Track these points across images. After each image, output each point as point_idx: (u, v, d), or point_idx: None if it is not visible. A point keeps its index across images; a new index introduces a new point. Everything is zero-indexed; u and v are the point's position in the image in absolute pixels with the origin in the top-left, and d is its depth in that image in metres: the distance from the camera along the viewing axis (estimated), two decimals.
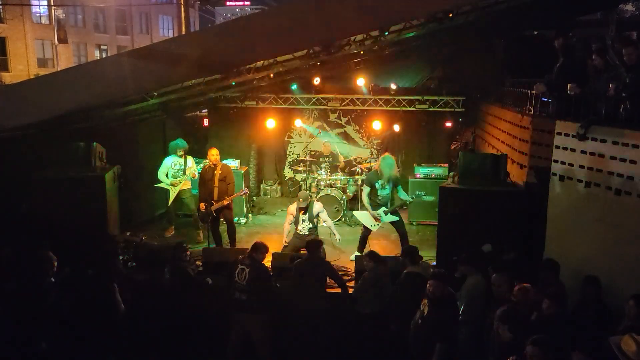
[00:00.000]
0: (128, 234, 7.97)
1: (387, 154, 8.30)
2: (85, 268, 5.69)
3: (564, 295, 4.79)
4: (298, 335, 5.99)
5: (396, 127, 10.93)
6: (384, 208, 7.91)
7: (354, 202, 10.42)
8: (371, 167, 10.03)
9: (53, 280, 5.33)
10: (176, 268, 5.96)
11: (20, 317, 5.01)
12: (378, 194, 7.95)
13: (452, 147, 11.81)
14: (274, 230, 9.64)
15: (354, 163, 11.13)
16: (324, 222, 7.94)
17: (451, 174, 8.06)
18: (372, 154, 11.76)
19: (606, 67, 5.84)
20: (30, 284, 5.27)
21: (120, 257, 7.01)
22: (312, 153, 11.69)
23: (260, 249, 5.81)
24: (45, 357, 5.24)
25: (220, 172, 8.18)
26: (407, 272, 5.68)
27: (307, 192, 8.14)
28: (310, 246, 6.11)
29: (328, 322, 5.92)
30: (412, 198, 8.46)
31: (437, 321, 4.77)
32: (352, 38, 7.46)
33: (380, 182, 7.91)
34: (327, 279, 6.20)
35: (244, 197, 9.50)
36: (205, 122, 12.25)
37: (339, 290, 6.27)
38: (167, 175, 8.99)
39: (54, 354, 5.22)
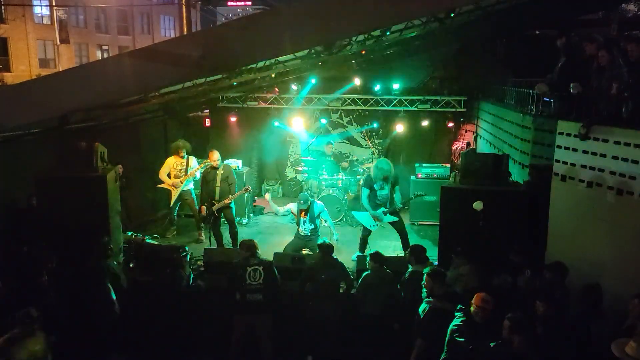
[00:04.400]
0: (130, 234, 7.97)
1: (381, 157, 8.33)
2: (78, 268, 5.72)
3: (565, 298, 4.78)
4: (300, 334, 5.99)
5: (398, 127, 10.92)
6: (383, 208, 7.90)
7: (356, 202, 10.41)
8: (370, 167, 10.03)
9: (47, 278, 5.35)
10: (172, 275, 5.94)
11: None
12: (377, 194, 7.96)
13: (454, 147, 11.81)
14: (275, 231, 9.65)
15: (356, 163, 11.12)
16: (325, 221, 7.94)
17: (453, 173, 8.04)
18: (374, 153, 11.76)
19: (611, 65, 5.81)
20: (26, 282, 5.29)
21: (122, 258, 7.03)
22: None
23: (254, 246, 5.79)
24: None
25: (222, 172, 8.21)
26: (412, 271, 5.69)
27: (307, 193, 8.12)
28: (325, 248, 6.11)
29: (329, 322, 5.91)
30: (402, 205, 8.22)
31: (423, 317, 4.83)
32: (354, 38, 7.45)
33: (378, 183, 7.91)
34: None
35: (245, 194, 9.49)
36: (207, 122, 12.27)
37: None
38: (169, 176, 9.00)
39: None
